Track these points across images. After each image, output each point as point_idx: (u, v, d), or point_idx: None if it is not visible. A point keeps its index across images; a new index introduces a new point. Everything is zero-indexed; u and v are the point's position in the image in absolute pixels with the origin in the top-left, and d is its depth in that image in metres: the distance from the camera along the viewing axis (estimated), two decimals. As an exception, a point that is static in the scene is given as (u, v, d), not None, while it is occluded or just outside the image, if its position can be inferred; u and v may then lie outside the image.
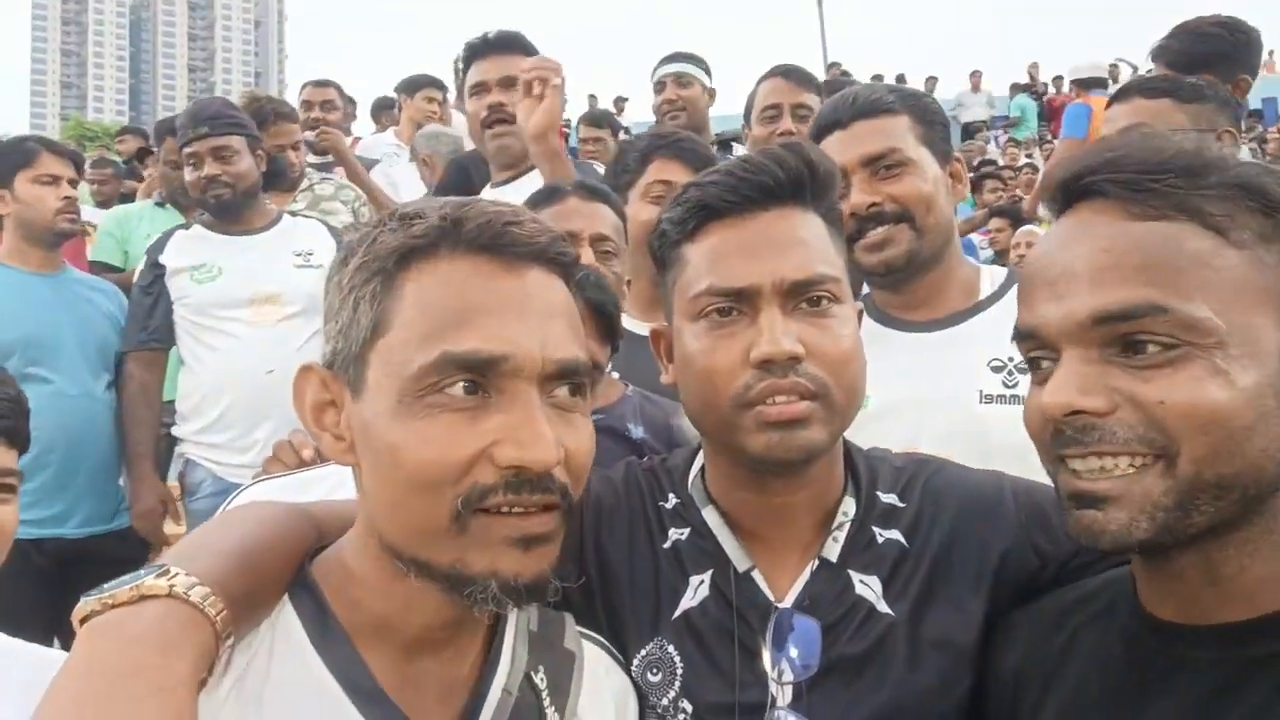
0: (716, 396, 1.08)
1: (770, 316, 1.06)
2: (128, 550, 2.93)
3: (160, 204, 4.40)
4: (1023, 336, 0.92)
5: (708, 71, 3.76)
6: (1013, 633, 1.09)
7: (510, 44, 2.88)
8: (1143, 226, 0.85)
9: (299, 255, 3.11)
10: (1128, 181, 0.86)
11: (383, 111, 7.20)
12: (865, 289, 1.86)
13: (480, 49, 2.91)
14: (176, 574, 0.81)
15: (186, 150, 3.07)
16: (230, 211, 3.09)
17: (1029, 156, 11.34)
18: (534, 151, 2.39)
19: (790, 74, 3.00)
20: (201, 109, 3.16)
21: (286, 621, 0.89)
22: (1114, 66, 14.49)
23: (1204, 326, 0.81)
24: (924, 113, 1.73)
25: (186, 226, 3.23)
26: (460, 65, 2.99)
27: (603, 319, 1.59)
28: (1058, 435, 0.87)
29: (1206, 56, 2.66)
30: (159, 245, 3.12)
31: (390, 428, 0.83)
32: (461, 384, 0.83)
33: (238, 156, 3.06)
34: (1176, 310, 0.82)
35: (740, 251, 1.09)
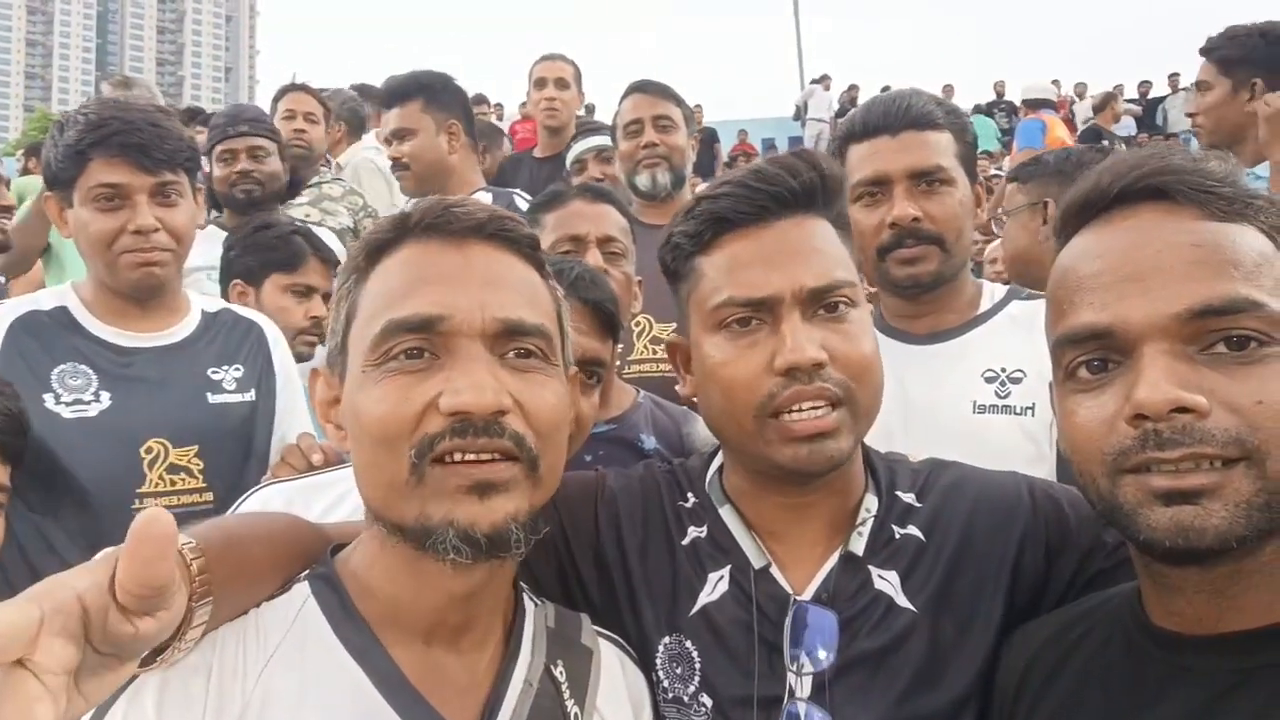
0: (739, 407, 1.09)
1: (793, 325, 1.07)
2: None
3: None
4: (1082, 339, 0.88)
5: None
6: (1019, 642, 1.10)
7: (404, 94, 3.16)
8: (1219, 226, 0.85)
9: None
10: (1196, 184, 0.86)
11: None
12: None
13: (384, 99, 3.28)
14: None
15: (221, 147, 3.25)
16: (253, 209, 3.15)
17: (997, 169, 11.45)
18: None
19: (648, 88, 3.11)
20: (242, 110, 3.46)
21: (308, 611, 0.93)
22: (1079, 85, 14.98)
23: None
24: (963, 131, 1.75)
25: (201, 226, 3.13)
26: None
27: (600, 316, 1.59)
28: (1143, 439, 0.82)
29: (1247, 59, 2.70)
30: None
31: (356, 397, 0.92)
32: (407, 347, 0.89)
33: (270, 159, 3.29)
34: (1268, 306, 0.81)
35: (758, 261, 1.09)
